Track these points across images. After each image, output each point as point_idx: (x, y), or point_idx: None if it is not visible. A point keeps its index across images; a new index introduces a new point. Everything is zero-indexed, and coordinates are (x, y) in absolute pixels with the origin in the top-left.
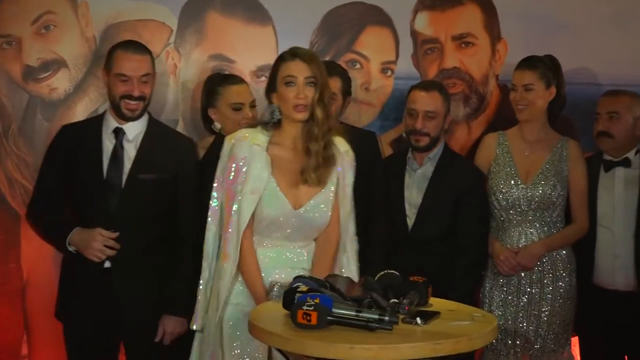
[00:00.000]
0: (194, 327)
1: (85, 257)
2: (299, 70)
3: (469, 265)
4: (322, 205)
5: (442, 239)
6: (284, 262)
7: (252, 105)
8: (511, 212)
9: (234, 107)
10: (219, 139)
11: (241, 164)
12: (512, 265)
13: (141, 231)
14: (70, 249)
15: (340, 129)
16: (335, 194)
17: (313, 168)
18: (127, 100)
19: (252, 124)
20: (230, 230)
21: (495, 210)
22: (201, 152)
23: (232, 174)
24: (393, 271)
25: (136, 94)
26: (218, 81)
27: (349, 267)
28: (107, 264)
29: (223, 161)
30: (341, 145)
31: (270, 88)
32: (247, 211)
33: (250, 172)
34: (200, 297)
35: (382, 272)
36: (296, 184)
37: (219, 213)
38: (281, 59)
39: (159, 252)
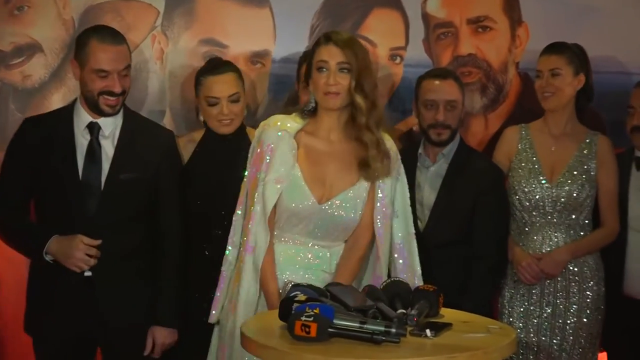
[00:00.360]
0: (211, 321)
1: (63, 266)
2: (331, 55)
3: (485, 273)
4: (350, 204)
5: (456, 243)
6: (299, 262)
7: (234, 100)
8: (534, 213)
9: (208, 101)
10: (209, 134)
11: (267, 149)
12: (535, 273)
13: (123, 235)
14: (48, 258)
15: (384, 122)
16: (370, 194)
17: (376, 158)
18: (106, 97)
19: (289, 110)
20: (254, 220)
21: (517, 212)
22: (189, 146)
23: (259, 161)
24: (400, 278)
25: (117, 90)
26: (203, 68)
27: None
28: (88, 273)
29: (253, 147)
30: (386, 140)
31: (307, 74)
32: (270, 201)
33: (274, 159)
34: (222, 285)
35: (389, 280)
36: (324, 177)
37: (244, 202)
38: (316, 43)
39: (143, 256)
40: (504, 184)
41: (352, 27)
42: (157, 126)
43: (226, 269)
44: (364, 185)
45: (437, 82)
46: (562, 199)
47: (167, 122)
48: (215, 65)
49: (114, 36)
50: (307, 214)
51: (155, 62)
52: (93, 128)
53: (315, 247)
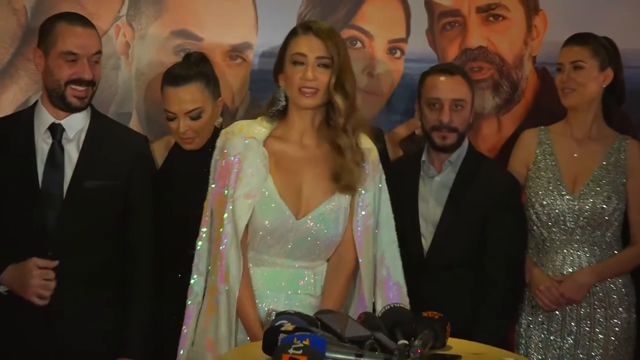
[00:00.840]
0: None
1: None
2: (310, 47)
3: (499, 298)
4: (330, 217)
5: (465, 264)
6: (280, 287)
7: (194, 117)
8: (554, 229)
9: (166, 115)
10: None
11: (233, 160)
12: (555, 298)
13: (87, 253)
14: (1, 289)
15: (365, 124)
16: (351, 204)
17: (350, 169)
18: (74, 86)
19: (255, 113)
20: (225, 243)
21: (534, 228)
22: (162, 153)
23: (224, 174)
24: (402, 304)
25: (87, 76)
26: (166, 74)
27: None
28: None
29: (215, 160)
30: (364, 142)
31: (278, 68)
32: (242, 219)
33: (243, 171)
34: (190, 320)
35: (388, 306)
36: (300, 187)
37: (209, 223)
38: (292, 33)
39: (110, 279)
40: (521, 196)
41: (345, 16)
42: (128, 130)
43: (192, 300)
44: (344, 194)
45: (442, 78)
46: (586, 213)
47: (132, 126)
48: (176, 75)
49: (84, 20)
50: (284, 232)
51: (119, 57)
52: (56, 130)
53: (297, 268)
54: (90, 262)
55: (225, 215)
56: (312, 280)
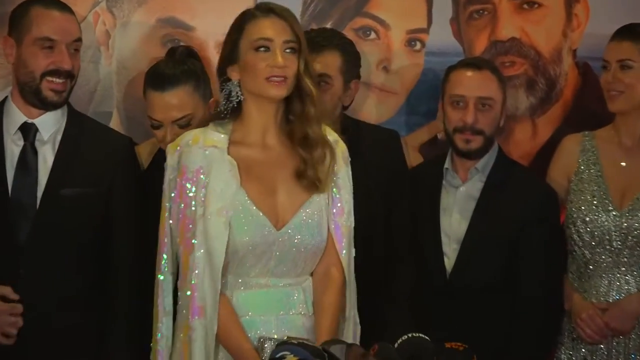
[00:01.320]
0: None
1: None
2: (276, 30)
3: (534, 327)
4: (311, 223)
5: (494, 287)
6: (269, 310)
7: (183, 125)
8: (598, 250)
9: (151, 122)
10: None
11: (195, 176)
12: (599, 328)
13: (64, 274)
14: None
15: (328, 113)
16: (331, 204)
17: (315, 163)
18: (51, 78)
19: (202, 120)
20: (197, 270)
21: (576, 248)
22: (148, 158)
23: (186, 193)
24: (421, 335)
25: (67, 65)
26: (149, 74)
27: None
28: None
29: (169, 179)
30: (329, 135)
31: (228, 59)
32: (220, 240)
33: (211, 186)
34: None
35: (406, 336)
36: (274, 194)
37: (170, 253)
38: (248, 16)
39: (91, 303)
40: (559, 209)
41: (358, 3)
42: (109, 130)
43: (162, 346)
44: (320, 193)
45: (468, 73)
46: (636, 232)
47: (113, 127)
48: (161, 77)
49: (61, 4)
50: (266, 247)
51: (98, 48)
52: (28, 131)
53: (283, 287)
54: (64, 280)
55: (195, 240)
56: (302, 298)
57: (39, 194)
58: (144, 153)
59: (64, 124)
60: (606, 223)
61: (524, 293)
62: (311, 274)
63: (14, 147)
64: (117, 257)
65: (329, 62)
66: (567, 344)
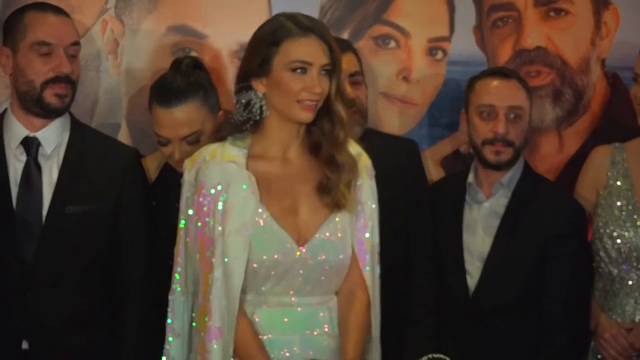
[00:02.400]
0: None
1: None
2: (315, 54)
3: (561, 349)
4: (335, 240)
5: (519, 307)
6: (293, 330)
7: (191, 142)
8: (624, 267)
9: (158, 139)
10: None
11: (213, 193)
12: (622, 348)
13: (72, 292)
14: None
15: (354, 129)
16: (354, 221)
17: (345, 185)
18: (54, 84)
19: (219, 136)
20: (214, 290)
21: (602, 265)
22: (155, 171)
23: (204, 211)
24: (442, 356)
25: (66, 69)
26: (152, 95)
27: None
28: (25, 345)
29: (186, 196)
30: (352, 148)
31: (256, 71)
32: (240, 259)
33: (230, 202)
34: None
35: (426, 357)
36: (295, 210)
37: (185, 274)
38: (285, 32)
39: (99, 322)
40: (586, 226)
41: (377, 10)
42: (115, 142)
43: None
44: (342, 211)
45: (495, 82)
46: None
47: (122, 139)
48: (168, 91)
49: (56, 8)
50: (288, 265)
51: (106, 57)
52: (30, 145)
53: (308, 306)
54: (71, 300)
55: (214, 259)
56: (327, 318)
57: (44, 211)
58: (152, 165)
59: (67, 137)
60: (634, 239)
61: (550, 313)
62: (336, 293)
63: (16, 162)
64: (127, 274)
65: (350, 64)
66: None
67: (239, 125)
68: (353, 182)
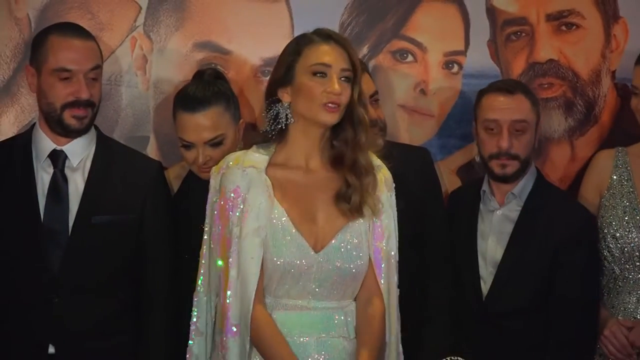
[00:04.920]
0: None
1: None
2: (334, 57)
3: (570, 352)
4: (351, 247)
5: (531, 312)
6: (308, 333)
7: (215, 144)
8: (628, 266)
9: (182, 143)
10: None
11: (234, 196)
12: (622, 346)
13: (97, 299)
14: None
15: (376, 140)
16: (372, 229)
17: (367, 189)
18: (72, 109)
19: (246, 145)
20: (230, 291)
21: (605, 264)
22: (177, 182)
23: (226, 214)
24: (459, 358)
25: (84, 95)
26: (178, 96)
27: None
28: (51, 349)
29: (212, 201)
30: (373, 160)
31: (281, 81)
32: (254, 261)
33: (249, 205)
34: None
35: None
36: (314, 217)
37: (208, 275)
38: (306, 40)
39: (123, 327)
40: (597, 234)
41: (395, 26)
42: (139, 155)
43: None
44: (359, 218)
45: (500, 97)
46: None
47: (151, 152)
48: (192, 98)
49: (79, 30)
50: (303, 270)
51: (135, 73)
52: (57, 158)
53: (324, 309)
54: (96, 307)
55: (231, 259)
56: (343, 322)
57: (71, 222)
58: (172, 175)
59: (93, 150)
60: (637, 239)
61: (561, 317)
62: (356, 299)
63: (44, 174)
64: (152, 281)
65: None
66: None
67: (264, 133)
68: (372, 188)
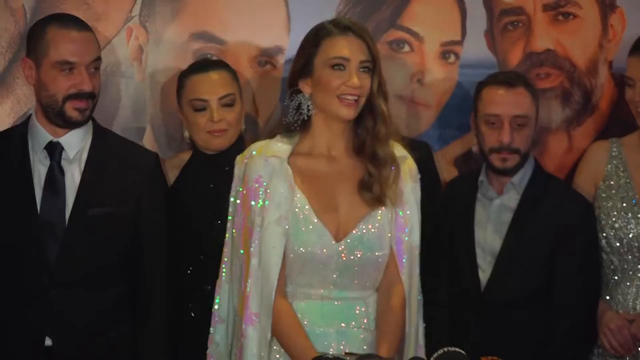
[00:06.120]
0: None
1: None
2: (352, 49)
3: (569, 342)
4: (372, 237)
5: (529, 301)
6: (329, 323)
7: (227, 104)
8: (626, 257)
9: (194, 105)
10: (196, 155)
11: (256, 185)
12: (624, 340)
13: (94, 291)
14: None
15: (397, 130)
16: (394, 220)
17: (387, 180)
18: (74, 100)
19: (271, 132)
20: (252, 279)
21: (604, 255)
22: (173, 172)
23: (248, 203)
24: (457, 349)
25: (87, 87)
26: (185, 72)
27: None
28: (48, 342)
29: (236, 190)
30: (397, 151)
31: (300, 72)
32: (276, 250)
33: (271, 194)
34: None
35: (442, 351)
36: (336, 206)
37: (230, 263)
38: (325, 32)
39: (120, 320)
40: (596, 223)
41: (391, 16)
42: (136, 147)
43: (213, 351)
44: (381, 208)
45: (501, 91)
46: None
47: (147, 143)
48: (203, 63)
49: (78, 22)
50: (325, 258)
51: (131, 63)
52: (54, 149)
53: (345, 300)
54: (93, 299)
55: (252, 248)
56: (364, 313)
57: (67, 213)
58: (169, 166)
59: (89, 142)
60: (635, 230)
61: (560, 306)
62: (377, 289)
63: (40, 166)
64: (149, 273)
65: None
66: (597, 354)
67: (288, 124)
68: (394, 179)
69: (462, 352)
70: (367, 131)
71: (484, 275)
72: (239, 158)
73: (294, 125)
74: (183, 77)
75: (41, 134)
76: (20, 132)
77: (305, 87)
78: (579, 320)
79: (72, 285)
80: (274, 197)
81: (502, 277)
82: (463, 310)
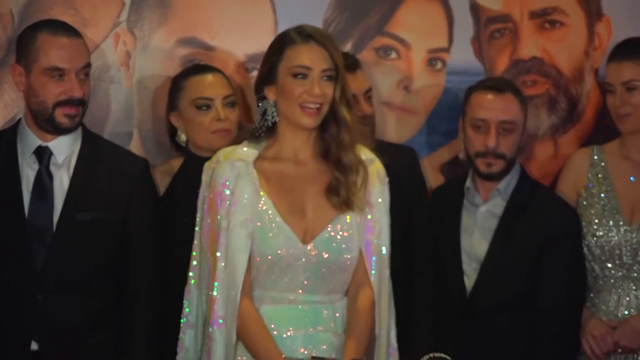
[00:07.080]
0: None
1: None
2: (314, 58)
3: (553, 349)
4: (340, 240)
5: (515, 307)
6: (296, 325)
7: (230, 103)
8: (608, 265)
9: (198, 104)
10: (190, 160)
11: (222, 189)
12: (607, 347)
13: (81, 295)
14: None
15: (364, 134)
16: (363, 223)
17: (353, 185)
18: (64, 107)
19: (237, 138)
20: (217, 283)
21: (586, 263)
22: (164, 179)
23: (214, 207)
24: (443, 355)
25: (78, 94)
26: (182, 74)
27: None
28: (34, 346)
29: (203, 195)
30: (364, 154)
31: (265, 79)
32: (241, 252)
33: (236, 197)
34: None
35: (428, 357)
36: (303, 209)
37: (199, 268)
38: (288, 40)
39: (107, 325)
40: (581, 230)
41: (379, 23)
42: (125, 152)
43: (183, 357)
44: (352, 213)
45: (489, 96)
46: None
47: (134, 148)
48: (199, 67)
49: (68, 28)
50: (292, 261)
51: (119, 68)
52: (43, 154)
53: (313, 303)
54: (80, 304)
55: (218, 253)
56: (332, 316)
57: (55, 218)
58: (158, 173)
59: (78, 147)
60: (616, 238)
61: (545, 313)
62: (347, 293)
63: (29, 170)
64: (136, 279)
65: (361, 82)
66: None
67: (254, 130)
68: (362, 183)
69: (448, 357)
70: (331, 138)
71: (469, 281)
72: (206, 164)
73: (259, 131)
74: (180, 80)
75: (30, 138)
76: (8, 136)
77: (270, 94)
78: (564, 326)
79: (59, 290)
80: (240, 200)
81: (487, 283)
82: (448, 315)
